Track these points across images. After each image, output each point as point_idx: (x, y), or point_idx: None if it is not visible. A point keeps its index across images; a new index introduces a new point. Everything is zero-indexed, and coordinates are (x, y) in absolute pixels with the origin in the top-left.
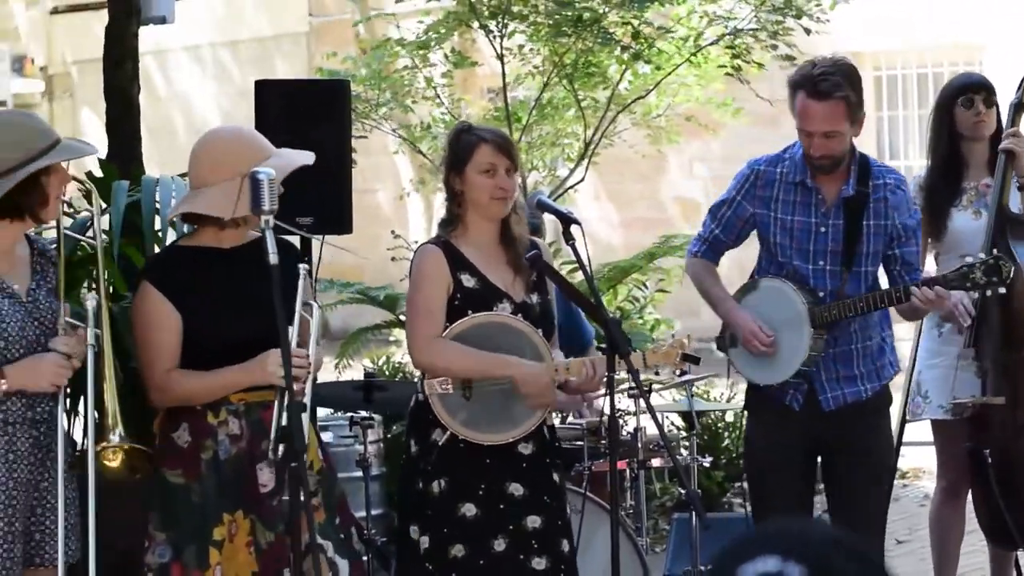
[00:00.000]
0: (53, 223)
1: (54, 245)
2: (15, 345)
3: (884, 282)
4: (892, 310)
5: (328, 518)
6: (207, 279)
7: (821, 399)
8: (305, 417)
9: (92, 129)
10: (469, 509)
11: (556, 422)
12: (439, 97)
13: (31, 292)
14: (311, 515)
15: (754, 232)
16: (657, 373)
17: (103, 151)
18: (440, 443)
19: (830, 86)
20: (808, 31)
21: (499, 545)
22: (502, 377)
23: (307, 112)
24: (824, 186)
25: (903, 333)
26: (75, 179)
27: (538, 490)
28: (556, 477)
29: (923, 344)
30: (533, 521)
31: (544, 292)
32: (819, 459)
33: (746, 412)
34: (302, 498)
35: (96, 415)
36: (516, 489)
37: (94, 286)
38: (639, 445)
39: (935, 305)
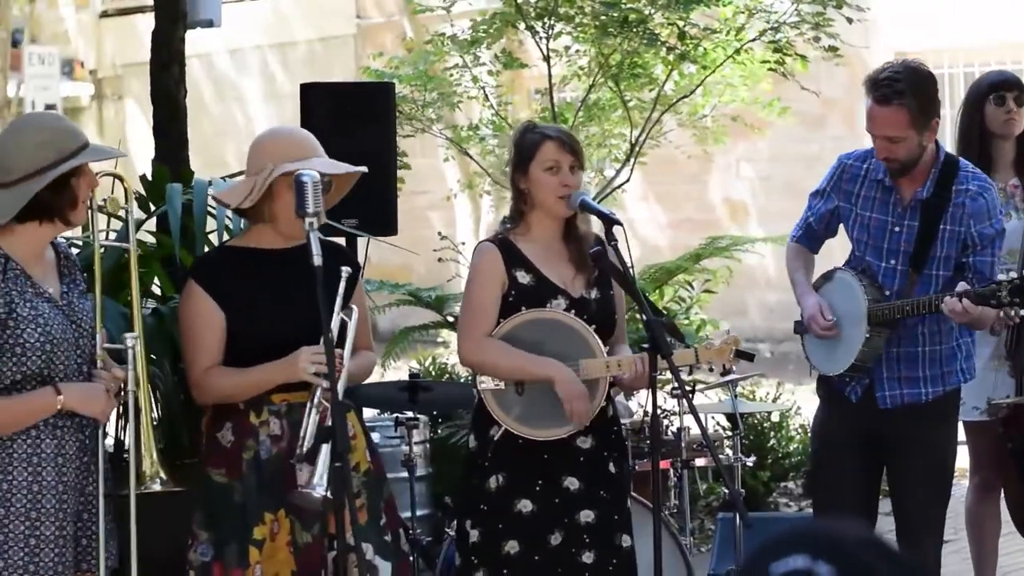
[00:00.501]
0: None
1: (76, 251)
2: (60, 347)
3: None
4: None
5: (371, 520)
6: (252, 279)
7: (878, 396)
8: (355, 418)
9: (140, 132)
10: (525, 505)
11: None
12: (488, 98)
13: (64, 295)
14: (354, 515)
15: None
16: (711, 370)
17: (151, 154)
18: (495, 438)
19: (891, 92)
20: (850, 20)
21: (555, 539)
22: (542, 379)
23: (353, 115)
24: (902, 186)
25: None
26: (116, 176)
27: (594, 484)
28: (613, 469)
29: None
30: (586, 515)
31: (607, 289)
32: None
33: (819, 398)
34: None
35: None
36: (572, 483)
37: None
38: (682, 445)
39: (962, 318)
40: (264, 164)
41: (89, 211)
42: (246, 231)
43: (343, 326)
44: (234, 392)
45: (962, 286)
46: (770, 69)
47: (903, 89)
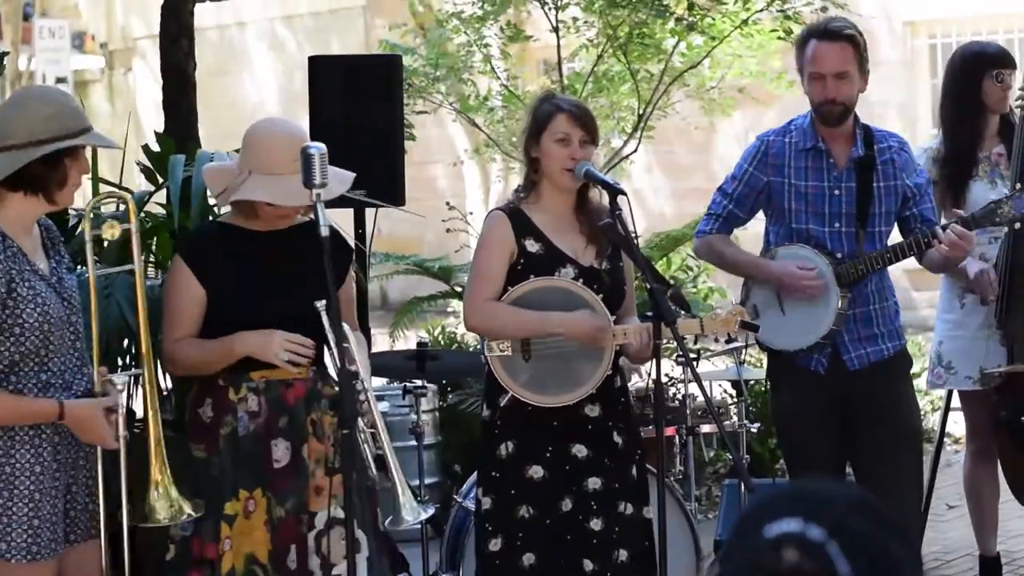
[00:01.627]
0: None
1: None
2: (55, 326)
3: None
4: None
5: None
6: (238, 259)
7: (845, 359)
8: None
9: (151, 105)
10: (536, 471)
11: None
12: (495, 72)
13: (53, 271)
14: (366, 492)
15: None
16: (717, 340)
17: (161, 127)
18: (502, 405)
19: (840, 27)
20: None
21: (566, 505)
22: (548, 333)
23: (360, 87)
24: (834, 149)
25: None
26: (121, 198)
27: (600, 452)
28: (617, 439)
29: (944, 315)
30: (594, 483)
31: (617, 260)
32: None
33: (769, 384)
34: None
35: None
36: (580, 450)
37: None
38: (687, 412)
39: (960, 248)
40: (244, 166)
41: (86, 242)
42: (240, 208)
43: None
44: (200, 361)
45: (956, 214)
46: (778, 38)
47: (850, 31)
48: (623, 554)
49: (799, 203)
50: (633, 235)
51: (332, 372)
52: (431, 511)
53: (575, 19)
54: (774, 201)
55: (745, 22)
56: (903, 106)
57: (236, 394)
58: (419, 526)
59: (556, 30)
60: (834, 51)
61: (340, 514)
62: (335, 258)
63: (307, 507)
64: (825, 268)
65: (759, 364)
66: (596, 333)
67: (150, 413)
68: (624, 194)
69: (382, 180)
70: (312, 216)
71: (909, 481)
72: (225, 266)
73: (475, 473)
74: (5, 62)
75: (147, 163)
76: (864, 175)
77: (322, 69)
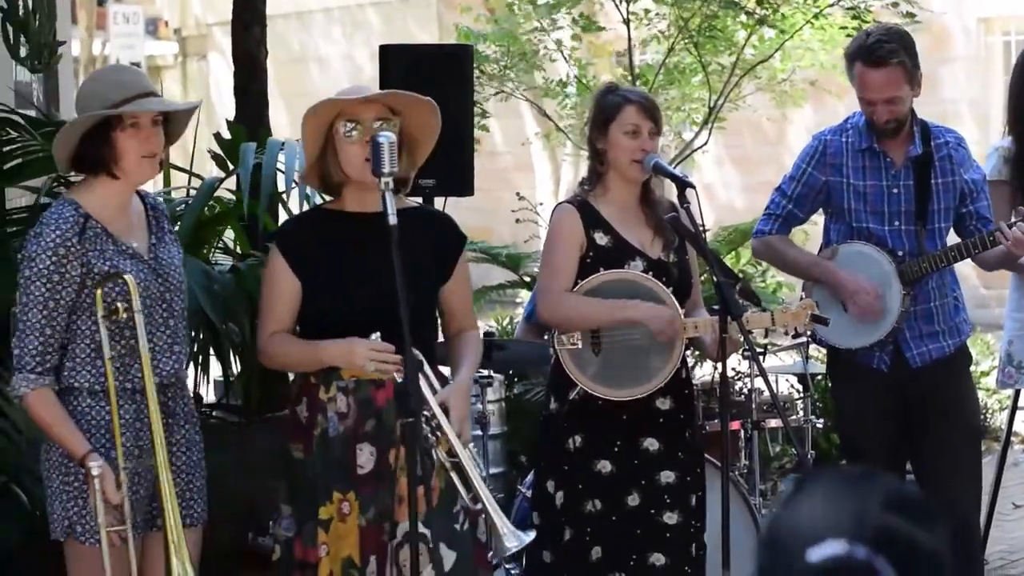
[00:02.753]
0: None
1: (166, 200)
2: (144, 305)
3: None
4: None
5: (442, 505)
6: (335, 247)
7: (908, 356)
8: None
9: (224, 91)
10: (604, 466)
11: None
12: (567, 60)
13: (152, 248)
14: (428, 497)
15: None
16: (786, 334)
17: (231, 114)
18: (570, 398)
19: (886, 53)
20: None
21: (633, 500)
22: (625, 320)
23: (431, 76)
24: (890, 149)
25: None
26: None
27: (673, 445)
28: (687, 434)
29: (1014, 314)
30: (667, 476)
31: (684, 252)
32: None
33: (831, 383)
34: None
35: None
36: (651, 444)
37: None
38: (753, 406)
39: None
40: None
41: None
42: (340, 195)
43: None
44: (289, 362)
45: (1021, 212)
46: (848, 36)
47: (895, 48)
48: (695, 548)
49: (858, 202)
50: (701, 228)
51: (431, 378)
52: (532, 534)
53: (647, 11)
54: (833, 200)
55: (817, 15)
56: (976, 103)
57: (326, 393)
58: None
59: (627, 22)
60: (881, 77)
61: (419, 528)
62: (447, 246)
63: (391, 515)
64: (888, 266)
65: (825, 360)
66: (671, 326)
67: (167, 504)
68: (693, 187)
69: (452, 170)
70: (409, 202)
71: (969, 478)
72: (320, 254)
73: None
74: (60, 52)
75: (218, 150)
76: (922, 172)
77: (392, 58)
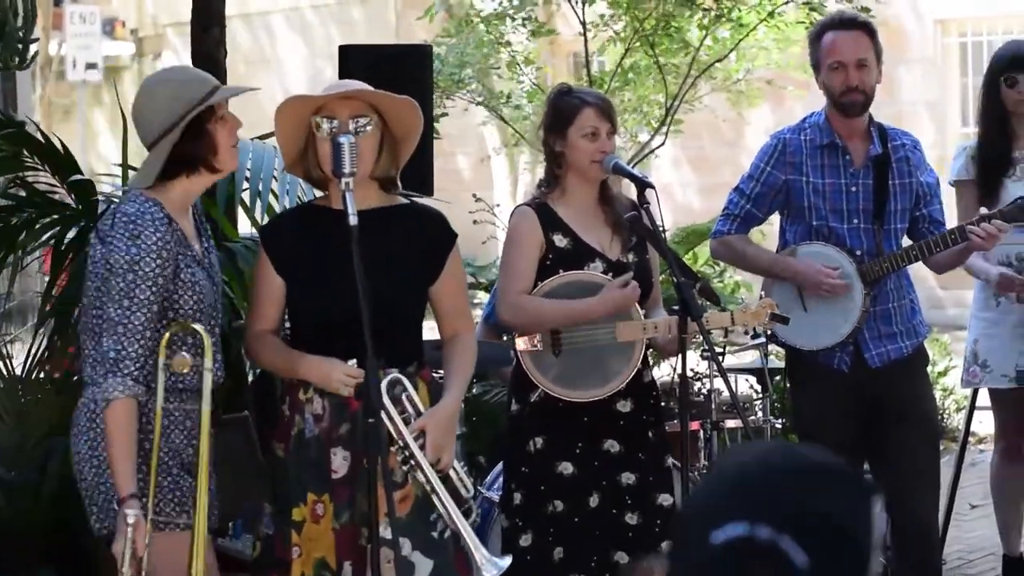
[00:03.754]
0: None
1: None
2: (206, 311)
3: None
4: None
5: (416, 513)
6: (318, 240)
7: (867, 357)
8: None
9: None
10: (566, 467)
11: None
12: (520, 67)
13: (205, 253)
14: (391, 505)
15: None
16: (746, 332)
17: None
18: (531, 400)
19: (853, 19)
20: None
21: (594, 501)
22: (583, 317)
23: (389, 77)
24: (851, 147)
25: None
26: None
27: (633, 447)
28: (651, 435)
29: (979, 314)
30: (627, 478)
31: (643, 252)
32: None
33: (790, 384)
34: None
35: None
36: (612, 446)
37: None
38: (712, 406)
39: (992, 241)
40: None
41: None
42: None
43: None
44: (270, 367)
45: (982, 211)
46: (806, 28)
47: (864, 19)
48: (666, 546)
49: (818, 199)
50: (661, 229)
51: (415, 399)
52: (508, 559)
53: (602, 15)
54: (792, 199)
55: (771, 14)
56: (933, 104)
57: (304, 394)
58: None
59: (584, 25)
60: (852, 39)
61: (388, 534)
62: (436, 243)
63: (367, 520)
64: (849, 266)
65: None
66: (625, 301)
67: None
68: (652, 187)
69: (410, 170)
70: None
71: (928, 478)
72: (302, 251)
73: (499, 465)
74: (36, 48)
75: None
76: (881, 172)
77: (352, 58)
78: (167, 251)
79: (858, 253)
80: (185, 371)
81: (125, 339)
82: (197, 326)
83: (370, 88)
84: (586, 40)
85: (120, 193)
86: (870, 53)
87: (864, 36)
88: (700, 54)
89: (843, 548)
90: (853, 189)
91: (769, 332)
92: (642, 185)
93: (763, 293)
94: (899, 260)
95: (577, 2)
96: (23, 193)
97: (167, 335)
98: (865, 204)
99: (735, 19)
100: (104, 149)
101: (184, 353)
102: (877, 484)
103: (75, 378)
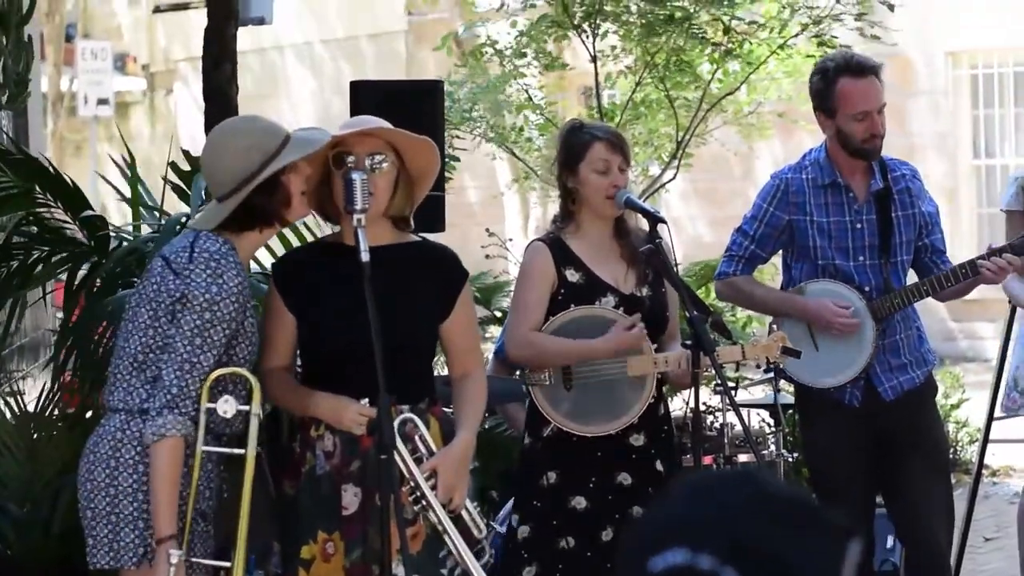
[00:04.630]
0: None
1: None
2: (254, 359)
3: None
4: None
5: (427, 550)
6: (330, 278)
7: (880, 391)
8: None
9: (192, 126)
10: (579, 502)
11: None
12: (531, 100)
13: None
14: (403, 541)
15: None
16: (758, 366)
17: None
18: (544, 435)
19: (868, 65)
20: (892, 7)
21: (606, 535)
22: (590, 356)
23: (401, 112)
24: (853, 184)
25: (987, 331)
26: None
27: (643, 481)
28: (660, 467)
29: (1022, 340)
30: (637, 512)
31: (659, 287)
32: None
33: (799, 419)
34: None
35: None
36: (624, 479)
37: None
38: (725, 440)
39: (1003, 275)
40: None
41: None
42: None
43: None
44: (281, 403)
45: (990, 247)
46: (815, 64)
47: (873, 64)
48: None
49: (823, 239)
50: (674, 263)
51: (427, 439)
52: None
53: (613, 47)
54: (797, 239)
55: (782, 46)
56: (944, 136)
57: (316, 431)
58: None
59: (595, 59)
60: (872, 87)
61: (400, 571)
62: (448, 281)
63: (379, 558)
64: (859, 303)
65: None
66: (630, 342)
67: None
68: (664, 222)
69: (422, 204)
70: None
71: (940, 506)
72: (313, 288)
73: (511, 500)
74: (30, 89)
75: (177, 181)
76: (883, 206)
77: (363, 94)
78: (244, 297)
79: (867, 290)
80: (230, 415)
81: (190, 377)
82: (247, 374)
83: (389, 126)
84: (596, 73)
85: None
86: (883, 97)
87: (877, 81)
88: (711, 87)
89: None
90: (858, 226)
91: (780, 366)
92: (654, 220)
93: (774, 326)
94: (910, 296)
95: (588, 36)
96: (35, 229)
97: (212, 377)
98: (871, 240)
99: (746, 53)
100: (117, 184)
101: (229, 397)
102: (856, 529)
103: (88, 414)
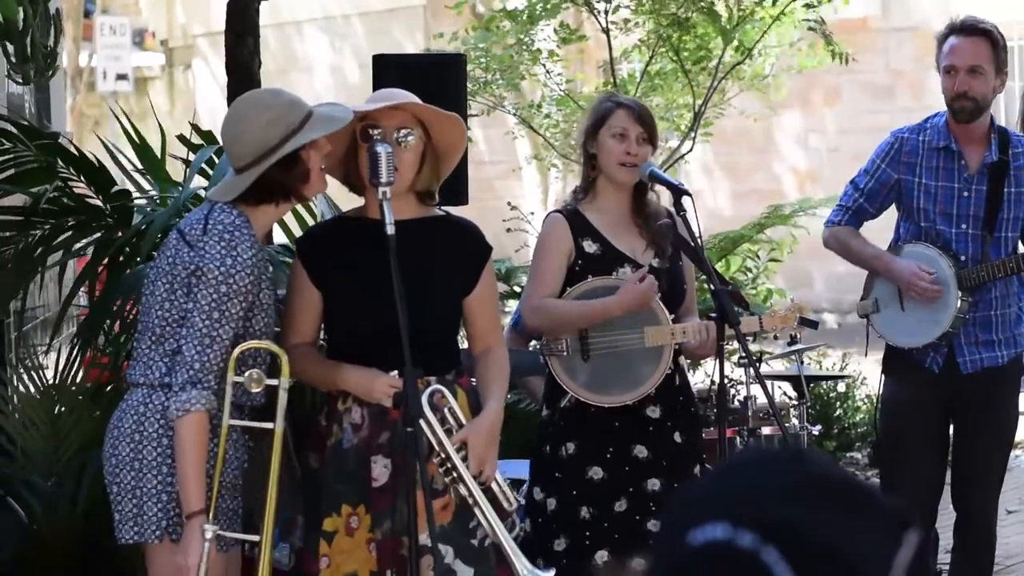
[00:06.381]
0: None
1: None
2: (271, 335)
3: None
4: None
5: (456, 521)
6: (356, 252)
7: (960, 362)
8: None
9: (211, 101)
10: (596, 472)
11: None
12: (548, 73)
13: (270, 278)
14: (430, 512)
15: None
16: (776, 337)
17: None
18: (561, 406)
19: (975, 22)
20: None
21: (620, 506)
22: (601, 314)
23: (423, 86)
24: (967, 152)
25: None
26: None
27: (660, 453)
28: (679, 439)
29: None
30: (653, 484)
31: (677, 259)
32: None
33: (883, 375)
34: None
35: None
36: (640, 451)
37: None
38: (749, 413)
39: None
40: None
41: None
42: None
43: (434, 400)
44: (307, 379)
45: None
46: (809, 28)
47: (987, 27)
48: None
49: (928, 202)
50: (698, 236)
51: (456, 411)
52: (552, 572)
53: (626, 20)
54: (904, 198)
55: (783, 13)
56: None
57: (343, 404)
58: None
59: (607, 32)
60: (968, 45)
61: (434, 544)
62: (471, 255)
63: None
64: (947, 270)
65: (818, 368)
66: (642, 295)
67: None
68: (689, 195)
69: (446, 179)
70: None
71: (996, 482)
72: (339, 263)
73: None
74: (59, 63)
75: (186, 155)
76: (996, 179)
77: (385, 68)
78: (258, 269)
79: (962, 259)
80: (257, 389)
81: (211, 351)
82: (274, 347)
83: (417, 100)
84: (610, 45)
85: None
86: (986, 61)
87: (984, 43)
88: (724, 55)
89: None
90: (965, 194)
91: (871, 324)
92: (678, 193)
93: (864, 288)
94: (998, 270)
95: (599, 12)
96: (61, 201)
97: (237, 351)
98: (976, 210)
99: (755, 21)
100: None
101: (256, 370)
102: (914, 518)
103: (108, 388)
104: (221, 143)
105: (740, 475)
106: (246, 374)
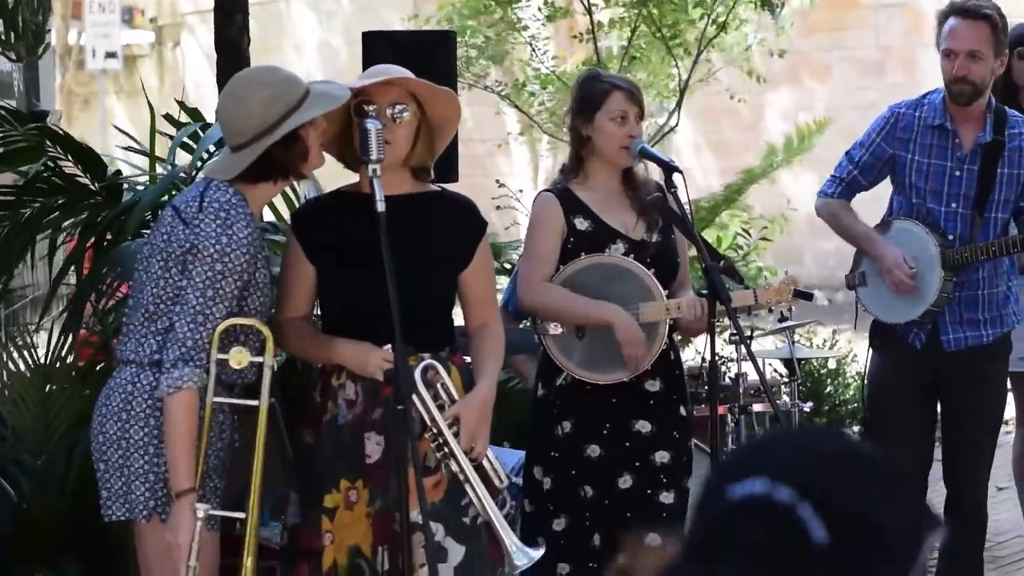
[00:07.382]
0: None
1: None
2: (266, 313)
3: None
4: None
5: (448, 498)
6: (350, 227)
7: (943, 340)
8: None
9: (200, 79)
10: (594, 450)
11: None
12: (535, 51)
13: (267, 256)
14: (421, 491)
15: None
16: (770, 310)
17: (211, 102)
18: (557, 384)
19: (976, 9)
20: None
21: (625, 482)
22: (600, 321)
23: (413, 63)
24: (962, 131)
25: None
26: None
27: (666, 426)
28: (683, 411)
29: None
30: (662, 456)
31: (670, 232)
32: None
33: (870, 349)
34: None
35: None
36: (643, 426)
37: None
38: (740, 390)
39: None
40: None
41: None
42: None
43: (428, 376)
44: (301, 353)
45: None
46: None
47: (988, 12)
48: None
49: (919, 179)
50: (689, 212)
51: (450, 387)
52: (541, 550)
53: None
54: (897, 174)
55: None
56: None
57: (337, 380)
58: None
59: (589, 10)
60: (968, 29)
61: (425, 520)
62: (466, 231)
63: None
64: (933, 249)
65: (809, 345)
66: (636, 348)
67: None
68: (680, 171)
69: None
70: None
71: (986, 463)
72: (333, 238)
73: (525, 451)
74: (48, 41)
75: (171, 132)
76: (989, 160)
77: (375, 44)
78: (255, 247)
79: (950, 237)
80: (242, 367)
81: (204, 329)
82: (261, 326)
83: (411, 75)
84: (592, 21)
85: (141, 178)
86: (985, 45)
87: (984, 27)
88: (704, 26)
89: (873, 548)
90: (957, 173)
91: (856, 292)
92: (669, 169)
93: (853, 261)
94: (981, 252)
95: None
96: (49, 180)
97: (221, 327)
98: (967, 190)
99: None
100: (123, 138)
101: (241, 347)
102: (942, 522)
103: (99, 367)
104: (214, 121)
105: (783, 441)
106: (230, 352)
